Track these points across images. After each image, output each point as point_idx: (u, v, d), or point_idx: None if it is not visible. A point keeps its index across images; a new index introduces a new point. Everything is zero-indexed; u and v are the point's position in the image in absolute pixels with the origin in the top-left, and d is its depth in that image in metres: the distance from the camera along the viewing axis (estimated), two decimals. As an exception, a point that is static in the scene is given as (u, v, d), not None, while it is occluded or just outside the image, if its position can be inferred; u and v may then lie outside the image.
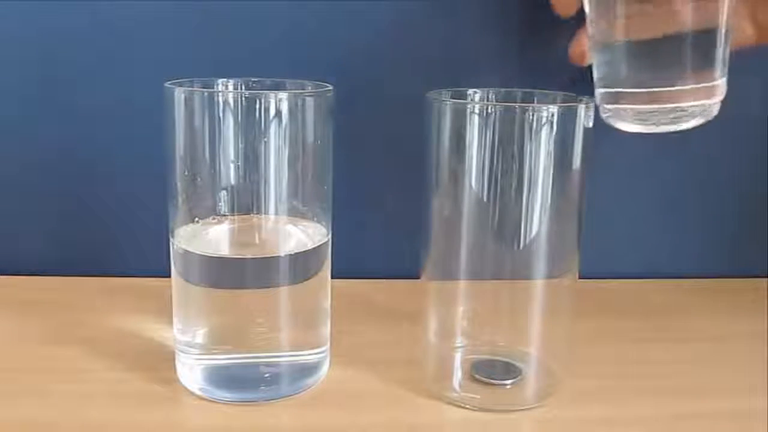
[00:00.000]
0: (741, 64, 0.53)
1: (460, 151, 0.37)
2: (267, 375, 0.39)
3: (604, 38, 0.37)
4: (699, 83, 0.36)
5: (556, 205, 0.37)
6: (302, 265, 0.39)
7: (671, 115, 0.36)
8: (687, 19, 0.35)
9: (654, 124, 0.37)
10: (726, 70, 0.36)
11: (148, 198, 0.43)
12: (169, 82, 0.37)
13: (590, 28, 0.38)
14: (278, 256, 0.38)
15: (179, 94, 0.36)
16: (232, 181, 0.37)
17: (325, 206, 0.40)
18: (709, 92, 0.36)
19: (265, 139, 0.37)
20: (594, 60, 0.38)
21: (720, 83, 0.36)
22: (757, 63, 0.53)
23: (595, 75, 0.38)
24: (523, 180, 0.36)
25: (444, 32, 0.52)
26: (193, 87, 0.38)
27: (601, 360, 0.44)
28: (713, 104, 0.36)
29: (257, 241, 0.39)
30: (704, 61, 0.36)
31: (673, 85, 0.36)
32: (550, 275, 0.39)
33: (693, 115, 0.36)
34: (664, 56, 0.36)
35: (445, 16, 0.52)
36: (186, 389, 0.39)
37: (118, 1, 0.50)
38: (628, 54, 0.36)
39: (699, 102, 0.36)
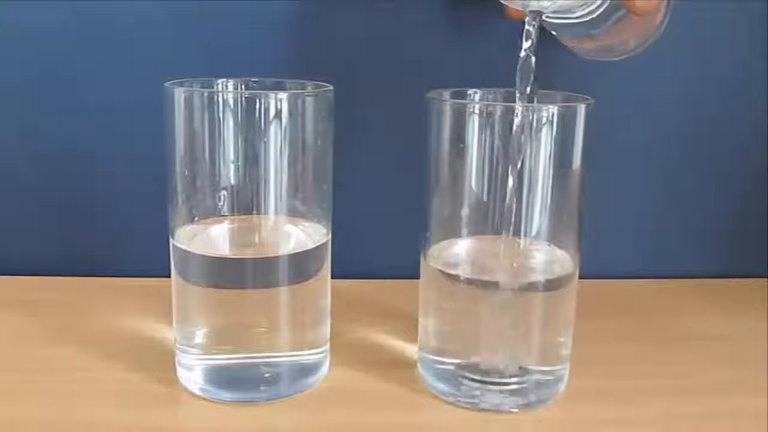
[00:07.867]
0: (742, 64, 0.53)
1: (460, 151, 0.37)
2: (267, 375, 0.39)
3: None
4: None
5: (556, 205, 0.37)
6: (302, 265, 0.39)
7: None
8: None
9: None
10: None
11: (148, 198, 0.43)
12: (169, 82, 0.37)
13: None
14: (278, 256, 0.38)
15: (179, 94, 0.36)
16: (232, 181, 0.37)
17: (325, 206, 0.40)
18: None
19: (265, 139, 0.37)
20: None
21: None
22: (758, 63, 0.54)
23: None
24: (523, 180, 0.36)
25: (444, 32, 0.52)
26: (193, 87, 0.38)
27: (601, 360, 0.44)
28: None
29: (257, 241, 0.39)
30: None
31: None
32: (550, 275, 0.39)
33: None
34: None
35: (446, 16, 0.52)
36: (186, 389, 0.39)
37: (118, 1, 0.50)
38: None
39: None
